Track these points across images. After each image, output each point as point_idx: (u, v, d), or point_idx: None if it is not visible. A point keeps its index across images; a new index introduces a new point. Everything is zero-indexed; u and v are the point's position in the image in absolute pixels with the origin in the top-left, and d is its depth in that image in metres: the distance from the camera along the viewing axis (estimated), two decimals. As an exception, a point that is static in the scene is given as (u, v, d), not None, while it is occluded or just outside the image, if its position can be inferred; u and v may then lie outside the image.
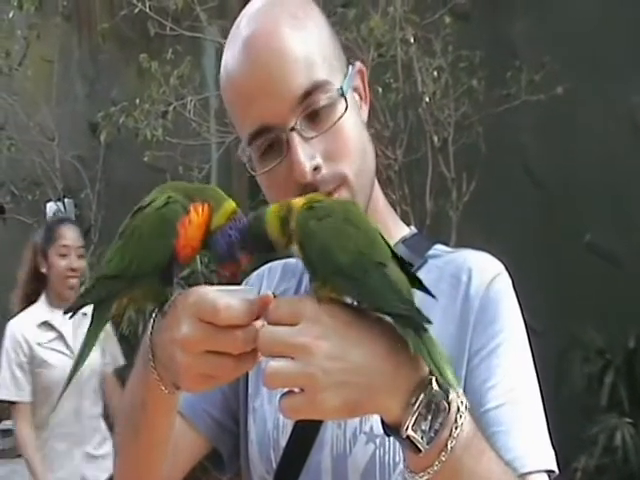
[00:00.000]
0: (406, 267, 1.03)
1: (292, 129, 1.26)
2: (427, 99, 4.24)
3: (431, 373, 0.99)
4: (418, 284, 1.04)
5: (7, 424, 7.56)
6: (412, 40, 4.25)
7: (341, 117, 1.29)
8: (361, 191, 1.32)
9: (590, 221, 4.41)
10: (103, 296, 1.14)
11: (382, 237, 1.05)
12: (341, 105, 1.29)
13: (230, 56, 1.33)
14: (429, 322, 0.97)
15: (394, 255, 1.03)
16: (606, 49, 4.33)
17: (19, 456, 6.94)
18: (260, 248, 1.12)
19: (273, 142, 1.29)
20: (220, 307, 1.00)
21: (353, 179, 1.30)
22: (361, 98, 1.42)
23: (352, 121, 1.32)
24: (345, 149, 1.30)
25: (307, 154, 1.26)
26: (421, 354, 0.96)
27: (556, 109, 4.32)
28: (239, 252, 1.12)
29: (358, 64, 1.41)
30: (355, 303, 1.04)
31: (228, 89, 1.34)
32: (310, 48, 1.30)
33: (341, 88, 1.30)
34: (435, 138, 4.25)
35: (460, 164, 4.30)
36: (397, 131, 4.19)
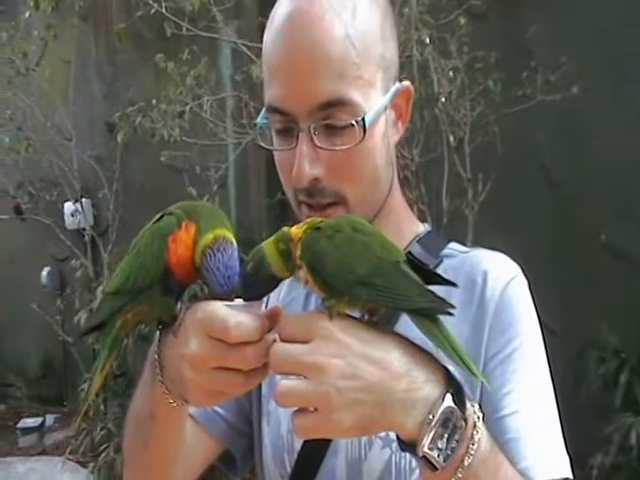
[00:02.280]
0: (416, 263, 1.03)
1: (304, 130, 1.23)
2: (443, 99, 4.23)
3: (447, 390, 0.99)
4: (436, 277, 1.05)
5: (27, 422, 7.65)
6: (428, 41, 4.23)
7: (355, 145, 1.24)
8: (361, 213, 1.25)
9: (606, 221, 4.42)
10: (108, 313, 1.13)
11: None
12: (360, 133, 1.24)
13: (275, 18, 1.28)
14: (452, 307, 0.98)
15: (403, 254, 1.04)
16: (622, 49, 4.34)
17: (39, 454, 7.08)
18: (265, 287, 1.10)
19: (287, 127, 1.27)
20: (231, 325, 0.99)
21: (352, 202, 1.28)
22: (399, 117, 1.37)
23: (369, 148, 1.28)
24: (351, 174, 1.27)
25: (311, 160, 1.23)
26: (443, 348, 0.96)
27: (572, 109, 4.32)
28: (244, 290, 1.08)
29: (406, 84, 1.36)
30: (366, 317, 1.04)
31: (265, 54, 1.30)
32: (350, 56, 1.22)
33: (363, 119, 1.23)
34: (451, 138, 4.26)
35: (476, 164, 4.31)
36: (413, 131, 4.18)
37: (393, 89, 1.32)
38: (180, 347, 1.06)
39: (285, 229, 1.09)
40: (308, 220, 1.10)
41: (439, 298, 0.98)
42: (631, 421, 3.68)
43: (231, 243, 1.10)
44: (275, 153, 1.33)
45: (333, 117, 1.23)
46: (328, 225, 1.06)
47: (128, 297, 1.11)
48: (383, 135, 1.31)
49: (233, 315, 0.99)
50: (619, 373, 3.86)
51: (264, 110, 1.32)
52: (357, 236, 1.03)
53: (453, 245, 1.44)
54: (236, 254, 1.09)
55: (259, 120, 1.34)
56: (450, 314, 0.98)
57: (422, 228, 1.47)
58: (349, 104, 1.22)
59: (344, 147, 1.23)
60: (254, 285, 1.08)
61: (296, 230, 1.08)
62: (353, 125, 1.23)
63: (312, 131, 1.23)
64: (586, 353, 4.02)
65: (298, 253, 1.05)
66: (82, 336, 1.20)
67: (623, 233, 4.37)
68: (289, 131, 1.26)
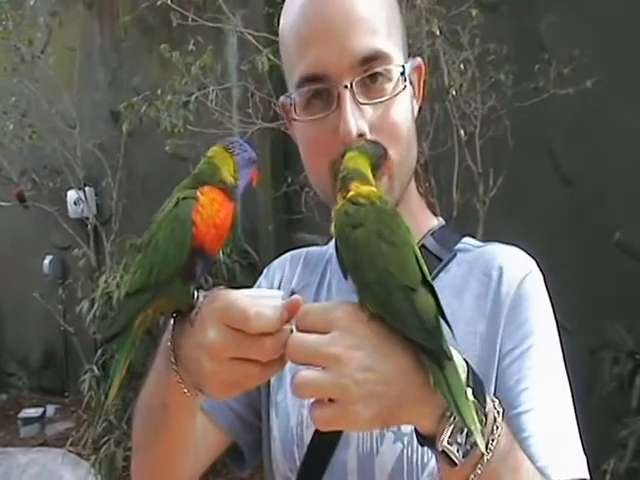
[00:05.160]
0: (436, 293, 0.99)
1: (347, 87, 1.25)
2: (454, 92, 4.17)
3: (467, 384, 0.96)
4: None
5: (28, 412, 7.65)
6: (438, 32, 4.17)
7: (399, 93, 1.28)
8: (399, 178, 1.31)
9: (620, 219, 4.35)
10: (131, 316, 1.10)
11: (417, 257, 1.01)
12: (400, 83, 1.29)
13: (294, 3, 1.32)
14: (448, 358, 0.94)
15: (425, 279, 0.99)
16: (636, 41, 4.25)
17: (40, 445, 7.09)
18: None
19: (321, 93, 1.28)
20: (250, 316, 0.98)
21: (395, 161, 1.29)
22: (414, 94, 1.40)
23: (406, 106, 1.32)
24: (393, 128, 1.29)
25: (356, 116, 1.25)
26: (440, 389, 0.93)
27: (585, 103, 4.24)
28: None
29: (419, 59, 1.40)
30: None
31: (286, 34, 1.34)
32: (378, 17, 1.29)
33: (403, 66, 1.29)
34: (462, 131, 4.20)
35: (487, 158, 4.25)
36: (423, 123, 4.13)
37: (411, 62, 1.38)
38: (197, 336, 1.05)
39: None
40: (359, 188, 1.09)
41: (438, 343, 0.95)
42: (646, 425, 3.61)
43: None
44: (303, 132, 1.35)
45: (373, 69, 1.27)
46: (357, 213, 1.04)
47: (151, 294, 1.09)
48: (411, 100, 1.36)
49: (253, 305, 0.99)
50: (634, 375, 3.79)
51: (292, 89, 1.33)
52: (377, 241, 1.01)
53: (467, 239, 1.44)
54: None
55: (283, 98, 1.38)
56: (440, 363, 0.94)
57: (436, 222, 1.48)
58: (386, 57, 1.27)
59: (386, 97, 1.27)
60: None
61: (352, 191, 1.09)
62: (389, 80, 1.28)
63: (354, 86, 1.25)
64: (600, 353, 3.95)
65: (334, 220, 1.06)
66: (105, 344, 1.16)
67: (638, 232, 4.29)
68: (321, 97, 1.29)
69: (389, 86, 1.28)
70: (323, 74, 1.26)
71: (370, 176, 1.13)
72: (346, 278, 1.04)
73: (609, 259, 4.36)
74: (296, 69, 1.30)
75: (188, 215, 1.09)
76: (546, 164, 4.61)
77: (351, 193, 1.07)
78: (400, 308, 0.96)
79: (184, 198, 1.11)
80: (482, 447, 0.94)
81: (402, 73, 1.30)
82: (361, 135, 1.25)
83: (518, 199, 4.48)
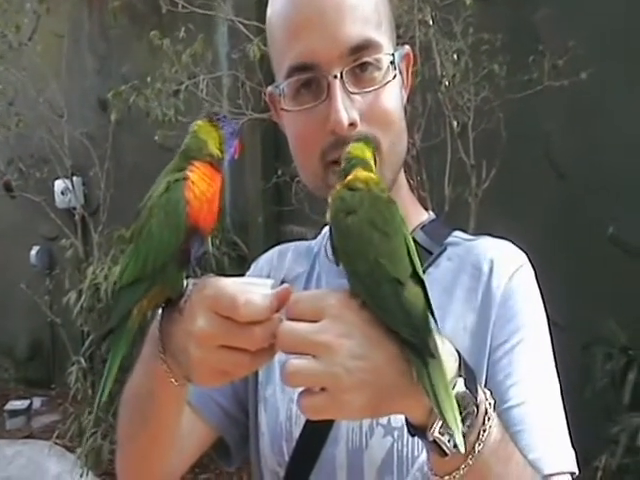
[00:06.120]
0: (426, 287, 0.98)
1: (336, 76, 1.24)
2: (446, 83, 4.14)
3: (459, 374, 0.97)
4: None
5: (14, 404, 7.64)
6: (431, 22, 4.14)
7: (388, 82, 1.28)
8: (389, 167, 1.31)
9: (614, 213, 4.30)
10: (129, 306, 1.08)
11: (409, 249, 1.00)
12: (390, 72, 1.28)
13: None
14: (433, 356, 0.92)
15: (416, 273, 0.98)
16: (632, 33, 4.21)
17: (26, 437, 7.09)
18: None
19: (311, 83, 1.28)
20: (240, 303, 0.97)
21: (385, 149, 1.28)
22: (402, 83, 1.40)
23: (396, 94, 1.33)
24: (384, 116, 1.29)
25: (347, 106, 1.24)
26: (423, 386, 0.91)
27: (580, 95, 4.20)
28: None
29: (407, 48, 1.40)
30: None
31: (274, 22, 1.34)
32: (368, 5, 1.29)
33: (393, 55, 1.30)
34: (454, 123, 4.16)
35: (480, 150, 4.21)
36: (415, 115, 4.11)
37: (400, 50, 1.38)
38: (186, 324, 1.05)
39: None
40: (356, 173, 1.09)
41: (424, 339, 0.93)
42: (639, 421, 3.59)
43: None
44: (292, 122, 1.35)
45: (363, 58, 1.27)
46: (352, 199, 1.03)
47: (147, 283, 1.08)
48: (400, 88, 1.36)
49: (242, 293, 0.98)
50: (627, 371, 3.77)
51: (280, 79, 1.33)
52: (369, 230, 1.00)
53: (458, 233, 1.45)
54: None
55: (271, 89, 1.38)
56: (424, 361, 0.93)
57: (426, 215, 1.49)
58: (376, 46, 1.28)
59: (376, 87, 1.28)
60: None
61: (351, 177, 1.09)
62: (379, 68, 1.28)
63: (344, 76, 1.25)
64: (592, 348, 3.94)
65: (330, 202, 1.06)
66: (101, 341, 1.14)
67: (632, 226, 4.25)
68: (310, 87, 1.29)
69: (379, 75, 1.29)
70: (312, 63, 1.26)
71: (373, 165, 1.13)
72: (338, 265, 1.03)
73: (602, 254, 4.32)
74: (285, 58, 1.30)
75: (181, 196, 1.08)
76: (539, 157, 4.57)
77: (349, 178, 1.07)
78: (387, 301, 0.95)
79: (176, 181, 1.11)
80: (461, 448, 0.92)
81: (392, 62, 1.30)
82: (352, 124, 1.25)
83: (511, 192, 4.44)
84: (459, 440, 0.91)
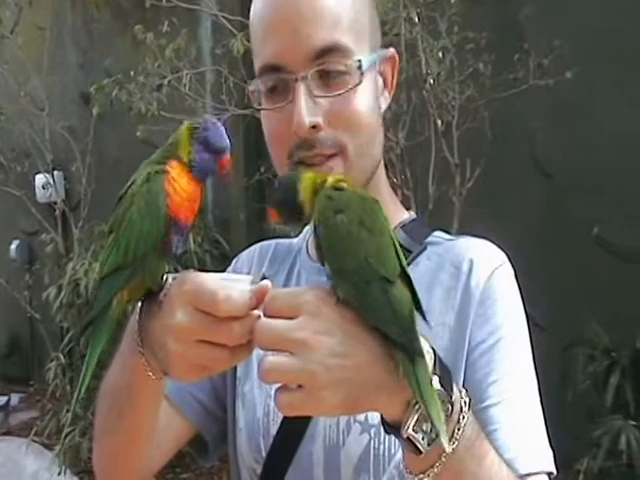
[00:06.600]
0: (414, 286, 0.98)
1: (301, 79, 1.25)
2: (431, 81, 4.13)
3: (434, 372, 0.97)
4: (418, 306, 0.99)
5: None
6: (416, 19, 4.13)
7: (352, 88, 1.27)
8: (358, 170, 1.30)
9: (599, 213, 4.31)
10: (110, 296, 1.09)
11: (396, 248, 1.01)
12: (356, 77, 1.28)
13: None
14: (421, 355, 0.93)
15: (404, 271, 0.99)
16: (617, 32, 4.22)
17: (4, 434, 7.03)
18: (288, 204, 1.11)
19: (281, 84, 1.28)
20: (219, 298, 0.97)
21: (351, 153, 1.29)
22: (385, 86, 1.40)
23: (365, 98, 1.31)
24: (350, 120, 1.29)
25: (309, 108, 1.25)
26: (410, 384, 0.92)
27: (565, 94, 4.21)
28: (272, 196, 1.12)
29: (392, 51, 1.40)
30: None
31: (253, 20, 1.35)
32: (341, 8, 1.28)
33: (359, 61, 1.28)
34: (439, 122, 4.15)
35: (464, 149, 4.20)
36: (399, 113, 4.09)
37: (380, 51, 1.37)
38: (165, 318, 1.05)
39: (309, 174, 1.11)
40: (339, 176, 1.11)
41: (410, 339, 0.94)
42: (621, 424, 3.59)
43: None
44: (265, 120, 1.36)
45: (329, 63, 1.28)
46: (340, 199, 1.04)
47: (128, 272, 1.09)
48: (374, 92, 1.35)
49: (222, 288, 0.99)
50: (609, 373, 3.78)
51: (257, 76, 1.34)
52: (358, 229, 1.00)
53: (438, 233, 1.45)
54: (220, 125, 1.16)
55: (250, 87, 1.37)
56: (411, 358, 0.93)
57: (407, 215, 1.49)
58: (344, 50, 1.27)
59: (341, 91, 1.27)
60: (279, 199, 1.11)
61: (330, 180, 1.08)
62: (347, 73, 1.28)
63: (308, 78, 1.26)
64: (573, 349, 3.94)
65: (309, 207, 1.06)
66: (81, 333, 1.12)
67: (617, 226, 4.27)
68: (283, 88, 1.29)
69: (347, 79, 1.28)
70: (280, 65, 1.28)
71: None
72: (322, 264, 1.03)
73: (587, 254, 4.34)
74: (259, 57, 1.32)
75: (161, 187, 1.09)
76: (524, 156, 4.58)
77: (331, 180, 1.07)
78: (375, 299, 0.95)
79: (156, 172, 1.11)
80: (446, 447, 0.93)
81: (359, 67, 1.29)
82: (314, 127, 1.26)
83: (495, 191, 4.44)
84: (444, 440, 0.92)
